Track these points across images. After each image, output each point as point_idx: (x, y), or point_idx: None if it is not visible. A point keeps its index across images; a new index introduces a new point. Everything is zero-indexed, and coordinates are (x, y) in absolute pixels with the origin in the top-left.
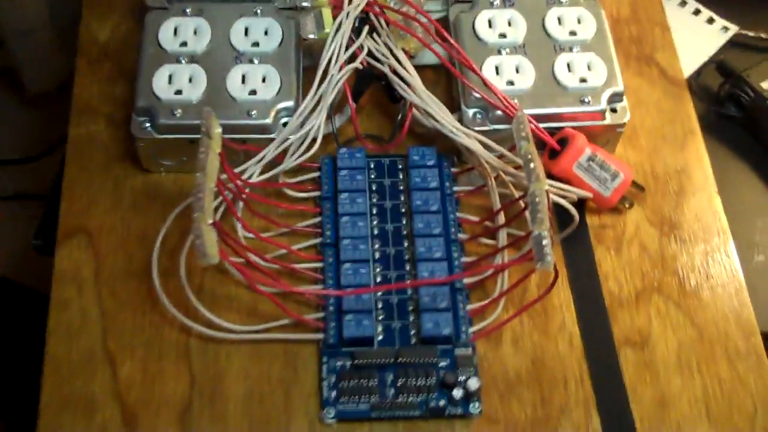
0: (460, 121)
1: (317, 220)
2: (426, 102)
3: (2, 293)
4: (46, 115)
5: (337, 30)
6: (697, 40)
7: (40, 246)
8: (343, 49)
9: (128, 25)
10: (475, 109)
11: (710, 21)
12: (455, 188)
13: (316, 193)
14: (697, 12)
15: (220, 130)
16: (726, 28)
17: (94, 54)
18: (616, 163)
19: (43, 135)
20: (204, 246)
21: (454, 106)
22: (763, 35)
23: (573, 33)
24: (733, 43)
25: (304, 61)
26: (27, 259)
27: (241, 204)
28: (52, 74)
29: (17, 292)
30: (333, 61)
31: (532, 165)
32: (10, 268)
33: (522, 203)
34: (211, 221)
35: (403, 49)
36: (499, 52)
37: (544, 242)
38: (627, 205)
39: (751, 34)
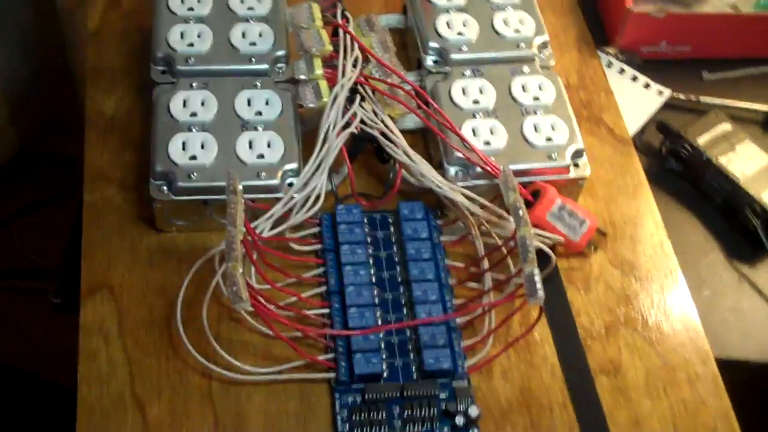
0: (443, 177)
1: (321, 270)
2: (414, 161)
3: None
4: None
5: (334, 100)
6: (638, 102)
7: (60, 304)
8: (340, 116)
9: (131, 98)
10: (457, 167)
11: (647, 86)
12: (442, 238)
13: (318, 246)
14: (634, 78)
15: (242, 188)
16: (661, 92)
17: (101, 125)
18: (583, 212)
19: None
20: (240, 291)
21: (434, 165)
22: (692, 97)
23: (536, 98)
24: (668, 105)
25: (301, 126)
26: None
27: (255, 256)
28: (4, 148)
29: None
30: (331, 127)
31: (520, 212)
32: None
33: (504, 250)
34: (242, 270)
35: (389, 115)
36: (474, 116)
37: (536, 278)
38: (592, 249)
39: (682, 96)
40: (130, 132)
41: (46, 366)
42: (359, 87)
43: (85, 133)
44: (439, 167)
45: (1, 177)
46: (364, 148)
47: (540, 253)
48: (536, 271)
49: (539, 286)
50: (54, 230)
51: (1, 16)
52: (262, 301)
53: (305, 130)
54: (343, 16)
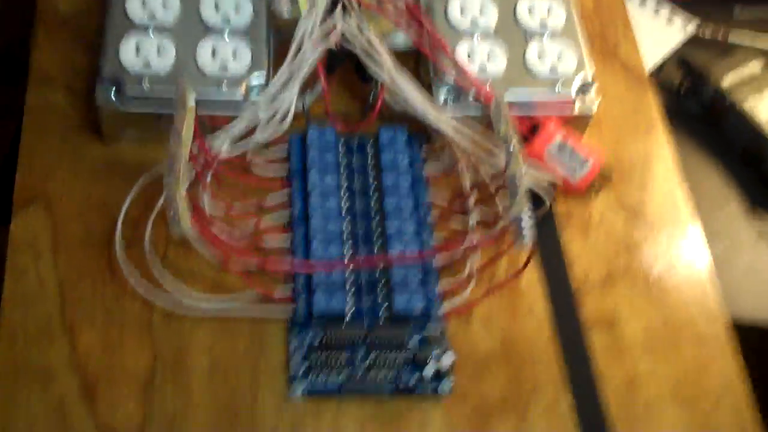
0: (431, 103)
1: (285, 196)
2: (397, 83)
3: None
4: None
5: (312, 7)
6: (658, 36)
7: None
8: (317, 27)
9: None
10: (447, 92)
11: (670, 20)
12: (425, 169)
13: (284, 172)
14: (657, 11)
15: (194, 98)
16: (686, 26)
17: (52, 23)
18: (585, 151)
19: None
20: (177, 215)
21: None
22: (720, 34)
23: (543, 22)
24: (692, 40)
25: (274, 39)
26: None
27: (209, 178)
28: None
29: None
30: (306, 38)
31: (511, 147)
32: None
33: (492, 187)
34: (184, 191)
35: (375, 31)
36: (471, 38)
37: (524, 222)
38: (594, 192)
39: (709, 32)
40: (85, 32)
41: None
42: None
43: (34, 30)
44: (428, 91)
45: None
46: (343, 64)
47: (535, 194)
48: (525, 213)
49: (527, 230)
50: None
51: None
52: (220, 229)
53: (281, 40)
54: None
